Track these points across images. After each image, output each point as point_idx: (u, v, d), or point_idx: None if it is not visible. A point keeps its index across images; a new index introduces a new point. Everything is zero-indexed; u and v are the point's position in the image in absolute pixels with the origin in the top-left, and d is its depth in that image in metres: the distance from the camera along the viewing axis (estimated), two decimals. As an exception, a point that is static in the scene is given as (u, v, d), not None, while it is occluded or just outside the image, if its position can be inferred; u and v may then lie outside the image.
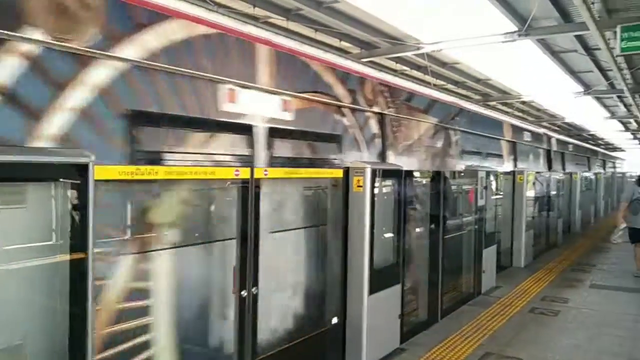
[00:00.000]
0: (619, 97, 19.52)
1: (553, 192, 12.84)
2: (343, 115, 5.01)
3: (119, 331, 3.06)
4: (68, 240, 2.51)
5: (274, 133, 4.12)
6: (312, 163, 4.62)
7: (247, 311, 3.88)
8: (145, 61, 3.09)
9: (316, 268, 4.90)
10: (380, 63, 13.53)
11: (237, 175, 3.76)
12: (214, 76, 3.59)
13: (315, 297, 4.87)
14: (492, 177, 8.72)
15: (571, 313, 7.06)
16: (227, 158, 3.78)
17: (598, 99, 19.87)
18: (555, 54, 13.37)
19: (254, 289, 3.91)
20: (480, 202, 8.06)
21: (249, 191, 3.84)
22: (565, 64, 14.53)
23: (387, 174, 5.38)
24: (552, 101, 21.52)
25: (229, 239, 3.87)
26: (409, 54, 12.20)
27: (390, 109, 5.76)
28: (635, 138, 37.51)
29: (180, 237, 3.58)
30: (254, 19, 9.46)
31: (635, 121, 26.84)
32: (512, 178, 10.26)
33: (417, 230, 6.47)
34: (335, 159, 4.92)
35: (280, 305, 4.45)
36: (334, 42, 11.66)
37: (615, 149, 44.76)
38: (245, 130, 3.89)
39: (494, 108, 18.81)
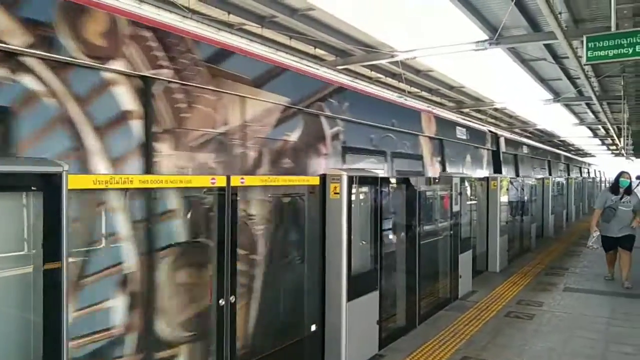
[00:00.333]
0: (587, 104, 20.04)
1: (525, 198, 13.02)
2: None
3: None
4: (41, 249, 2.46)
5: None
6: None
7: (225, 320, 3.84)
8: None
9: (294, 275, 4.88)
10: (355, 70, 13.65)
11: (213, 183, 3.73)
12: None
13: (293, 304, 4.85)
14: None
15: (545, 316, 7.16)
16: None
17: (567, 106, 20.37)
18: (525, 62, 13.69)
19: (231, 298, 3.88)
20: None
21: (225, 199, 3.83)
22: (535, 71, 14.88)
23: (364, 180, 5.40)
24: (523, 108, 21.99)
25: (206, 247, 3.83)
26: (383, 61, 12.33)
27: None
28: (603, 144, 38.51)
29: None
30: (228, 26, 9.45)
31: (604, 128, 27.57)
32: (486, 184, 10.36)
33: (393, 236, 6.48)
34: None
35: (258, 313, 4.41)
36: (309, 49, 11.71)
37: (585, 154, 45.96)
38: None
39: (467, 115, 19.10)
